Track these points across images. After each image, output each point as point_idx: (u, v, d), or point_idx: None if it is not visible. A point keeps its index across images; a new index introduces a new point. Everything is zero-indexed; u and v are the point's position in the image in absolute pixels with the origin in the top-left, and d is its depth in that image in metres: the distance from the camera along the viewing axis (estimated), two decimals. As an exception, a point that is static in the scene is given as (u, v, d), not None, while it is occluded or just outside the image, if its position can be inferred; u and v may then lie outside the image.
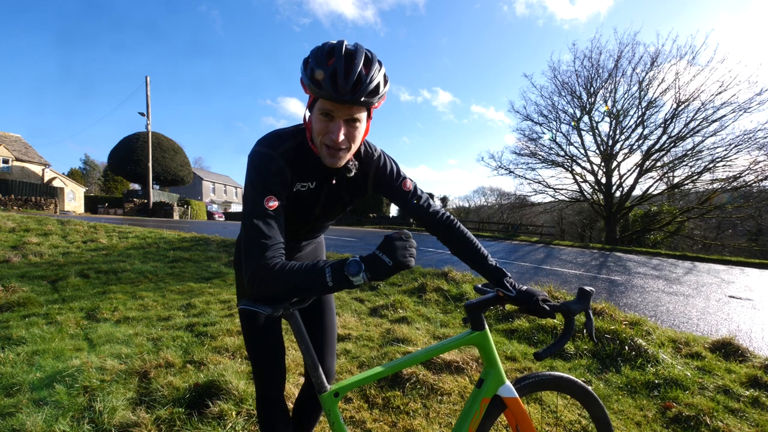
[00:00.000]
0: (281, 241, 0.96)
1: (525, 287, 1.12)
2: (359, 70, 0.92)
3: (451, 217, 1.27)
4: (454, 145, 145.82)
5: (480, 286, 1.22)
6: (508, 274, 1.17)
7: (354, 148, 1.04)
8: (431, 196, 34.11)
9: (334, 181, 1.14)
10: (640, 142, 20.94)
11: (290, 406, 2.02)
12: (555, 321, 3.53)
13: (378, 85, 0.96)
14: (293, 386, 2.35)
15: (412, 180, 1.26)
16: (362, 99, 0.92)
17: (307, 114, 1.05)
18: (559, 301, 1.11)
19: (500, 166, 24.17)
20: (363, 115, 1.00)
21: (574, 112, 22.36)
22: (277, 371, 1.27)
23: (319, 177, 1.12)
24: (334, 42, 0.96)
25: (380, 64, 0.97)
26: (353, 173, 1.15)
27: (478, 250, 1.20)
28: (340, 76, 0.90)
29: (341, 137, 0.97)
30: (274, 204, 0.97)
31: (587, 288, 1.10)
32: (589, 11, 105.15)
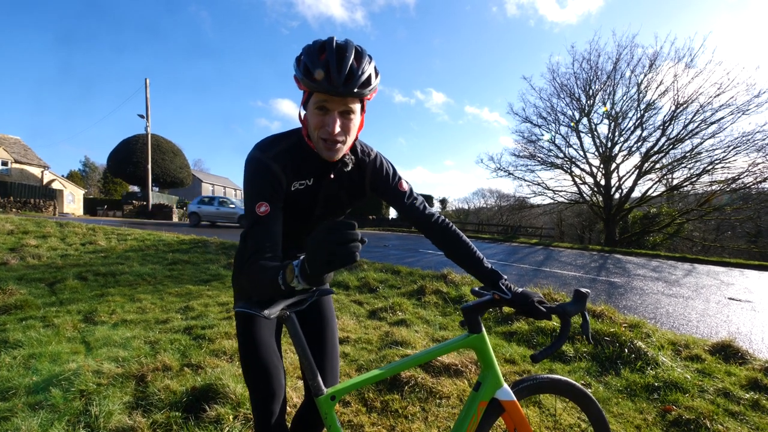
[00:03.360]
0: (270, 243, 0.99)
1: (521, 289, 1.12)
2: (351, 62, 0.95)
3: (447, 220, 1.27)
4: (450, 146, 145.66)
5: (477, 289, 1.22)
6: (504, 276, 1.16)
7: (350, 140, 1.06)
8: (430, 198, 34.04)
9: (332, 176, 1.15)
10: (639, 144, 21.03)
11: (290, 410, 2.00)
12: (554, 323, 3.53)
13: (369, 77, 0.99)
14: (290, 389, 2.34)
15: (407, 182, 1.27)
16: (355, 90, 0.96)
17: (302, 111, 1.08)
18: (557, 303, 1.11)
19: (499, 168, 24.25)
20: (357, 107, 1.03)
21: (573, 114, 22.48)
22: (276, 388, 1.19)
23: (316, 173, 1.13)
24: (325, 39, 0.99)
25: (370, 57, 1.01)
26: (350, 167, 1.17)
27: (473, 253, 1.20)
28: (333, 69, 0.93)
29: (337, 129, 1.00)
30: (265, 209, 1.01)
31: (583, 290, 1.10)
32: (579, 11, 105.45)
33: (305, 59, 0.96)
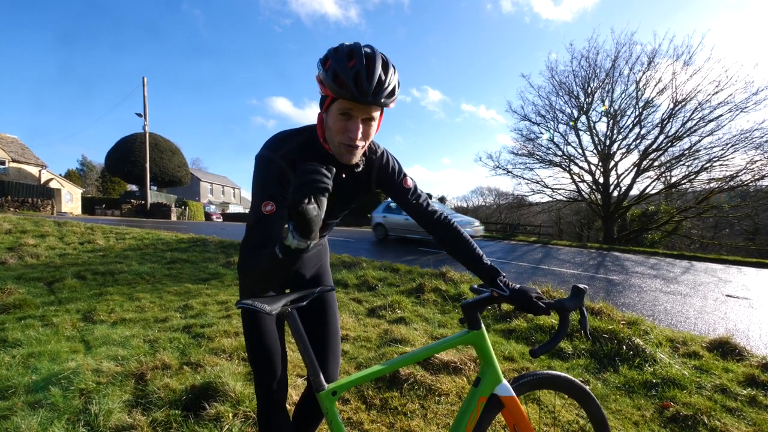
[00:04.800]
0: (270, 240, 1.00)
1: (519, 286, 1.13)
2: (379, 73, 0.97)
3: (449, 217, 1.28)
4: (447, 144, 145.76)
5: (476, 286, 1.23)
6: (503, 273, 1.18)
7: (367, 144, 1.10)
8: (429, 196, 33.89)
9: (343, 175, 1.17)
10: (638, 141, 21.00)
11: (289, 407, 2.01)
12: (552, 321, 3.54)
13: (394, 88, 1.02)
14: (290, 387, 2.34)
15: (412, 179, 1.29)
16: (382, 100, 0.99)
17: (320, 112, 1.09)
18: (555, 299, 1.12)
19: (498, 166, 24.18)
20: (377, 114, 1.05)
21: (572, 112, 22.42)
22: (279, 371, 1.25)
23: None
24: (350, 44, 1.01)
25: (394, 68, 1.03)
26: (361, 167, 1.19)
27: (473, 250, 1.21)
28: (363, 78, 0.95)
29: (359, 135, 1.03)
30: (271, 209, 1.02)
31: (581, 285, 1.11)
32: (575, 8, 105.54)
33: (334, 65, 0.96)
